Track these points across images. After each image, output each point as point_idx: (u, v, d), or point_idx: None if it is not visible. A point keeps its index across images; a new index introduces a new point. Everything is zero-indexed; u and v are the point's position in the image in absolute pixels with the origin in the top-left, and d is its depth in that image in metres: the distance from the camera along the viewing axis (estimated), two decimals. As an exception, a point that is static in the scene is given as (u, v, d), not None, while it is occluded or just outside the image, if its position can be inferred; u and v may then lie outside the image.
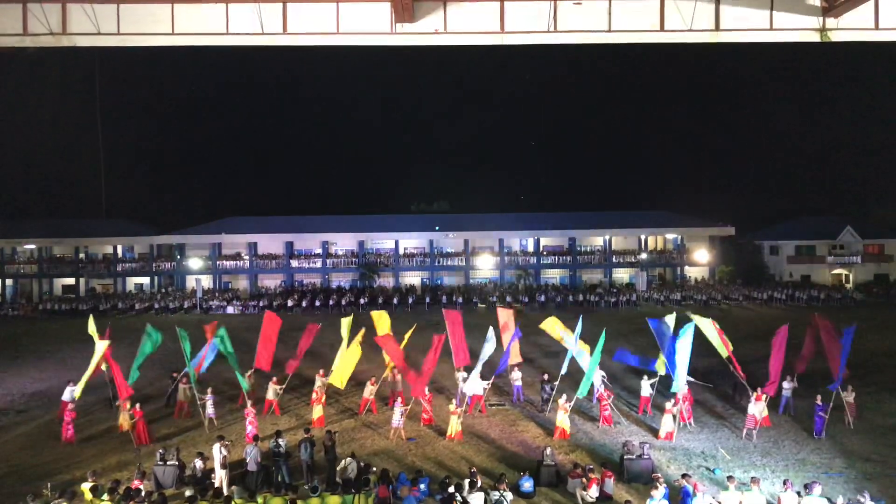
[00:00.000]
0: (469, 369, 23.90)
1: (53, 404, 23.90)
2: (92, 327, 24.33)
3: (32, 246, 61.54)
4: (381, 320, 25.22)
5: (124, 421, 21.57)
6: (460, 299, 54.21)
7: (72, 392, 22.82)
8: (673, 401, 21.33)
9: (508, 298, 54.61)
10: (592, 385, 24.28)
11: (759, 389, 21.75)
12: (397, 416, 20.95)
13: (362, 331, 24.26)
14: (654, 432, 21.15)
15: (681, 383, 21.70)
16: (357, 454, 18.66)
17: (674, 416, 21.01)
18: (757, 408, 21.06)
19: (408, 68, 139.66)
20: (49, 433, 21.83)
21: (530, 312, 48.60)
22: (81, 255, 62.56)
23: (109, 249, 62.87)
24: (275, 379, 24.08)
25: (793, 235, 66.21)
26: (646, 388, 23.28)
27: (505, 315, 25.08)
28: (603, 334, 22.91)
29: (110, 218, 63.09)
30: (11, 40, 17.93)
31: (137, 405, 21.03)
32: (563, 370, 23.25)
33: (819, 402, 20.92)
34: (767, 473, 17.93)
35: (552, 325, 24.41)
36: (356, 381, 25.78)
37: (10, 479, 18.10)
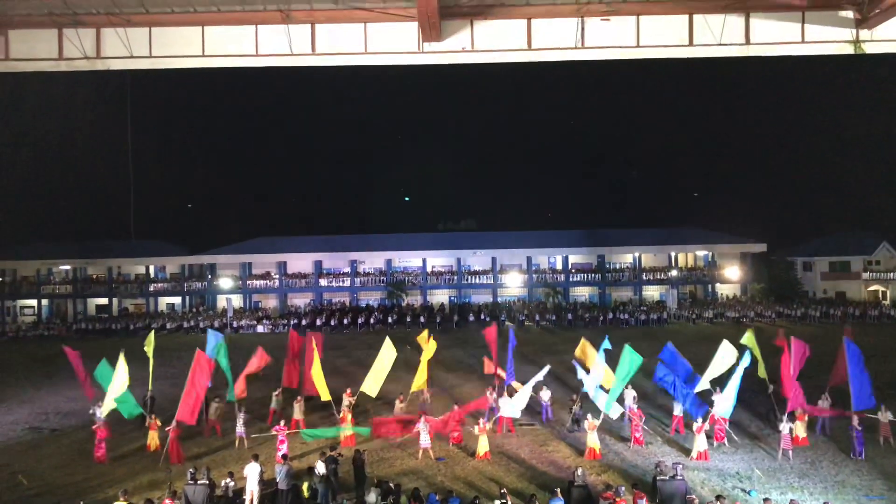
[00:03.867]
0: (511, 391, 24.20)
1: (87, 423, 24.13)
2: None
3: (67, 267, 62.57)
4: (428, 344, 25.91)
5: (153, 440, 21.79)
6: (488, 317, 53.97)
7: (98, 410, 23.18)
8: (702, 420, 20.90)
9: (537, 317, 54.29)
10: (625, 405, 24.02)
11: (800, 409, 21.31)
12: (425, 436, 20.82)
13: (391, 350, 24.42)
14: (687, 452, 20.76)
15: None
16: (386, 474, 18.55)
17: (707, 435, 20.65)
18: (797, 427, 20.79)
19: (435, 86, 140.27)
20: (82, 452, 22.04)
21: (560, 331, 48.34)
22: (115, 276, 63.57)
23: (142, 270, 63.70)
24: (299, 398, 24.15)
25: (826, 251, 64.92)
26: (678, 407, 22.86)
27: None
28: (637, 360, 22.52)
29: (142, 238, 64.00)
30: (47, 65, 18.39)
31: (174, 423, 21.14)
32: (585, 389, 22.96)
33: (857, 422, 20.40)
34: (805, 496, 17.45)
35: (583, 349, 24.28)
36: (385, 400, 25.75)
37: (44, 498, 18.30)
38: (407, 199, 63.12)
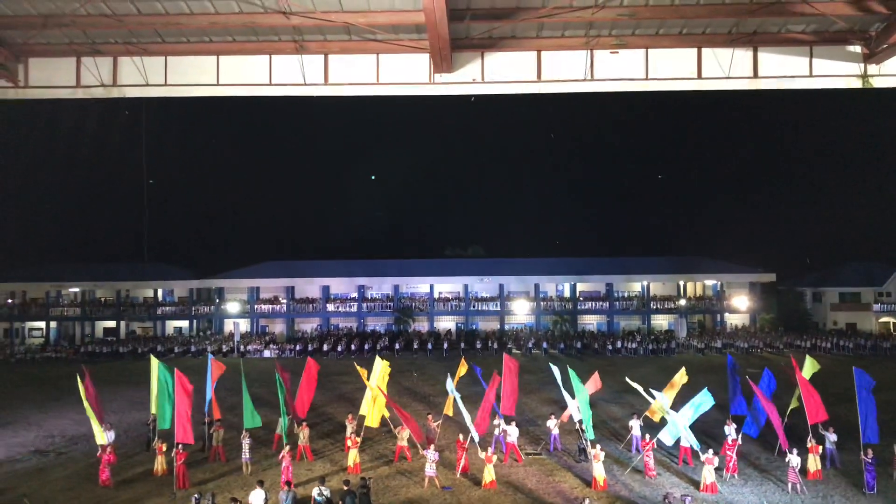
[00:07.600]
0: (508, 419, 24.23)
1: (93, 447, 24.09)
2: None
3: (76, 289, 62.96)
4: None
5: (160, 465, 21.75)
6: (495, 345, 53.83)
7: (109, 434, 23.11)
8: (711, 452, 20.69)
9: (545, 344, 54.12)
10: (633, 435, 23.92)
11: (812, 441, 21.17)
12: (430, 465, 20.71)
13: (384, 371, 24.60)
14: (696, 484, 20.57)
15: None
16: (391, 503, 18.44)
17: (716, 468, 20.47)
18: (810, 460, 20.68)
19: (445, 111, 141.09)
20: (88, 476, 21.99)
21: (568, 359, 48.10)
22: (123, 299, 63.79)
23: (150, 293, 64.00)
24: (304, 424, 24.11)
25: (836, 282, 64.50)
26: (686, 437, 22.64)
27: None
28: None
29: (151, 262, 64.35)
30: (65, 92, 18.74)
31: (180, 446, 21.08)
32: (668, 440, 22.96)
33: (869, 456, 20.19)
34: (817, 531, 17.26)
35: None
36: (387, 428, 25.62)
37: (48, 522, 18.24)
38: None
